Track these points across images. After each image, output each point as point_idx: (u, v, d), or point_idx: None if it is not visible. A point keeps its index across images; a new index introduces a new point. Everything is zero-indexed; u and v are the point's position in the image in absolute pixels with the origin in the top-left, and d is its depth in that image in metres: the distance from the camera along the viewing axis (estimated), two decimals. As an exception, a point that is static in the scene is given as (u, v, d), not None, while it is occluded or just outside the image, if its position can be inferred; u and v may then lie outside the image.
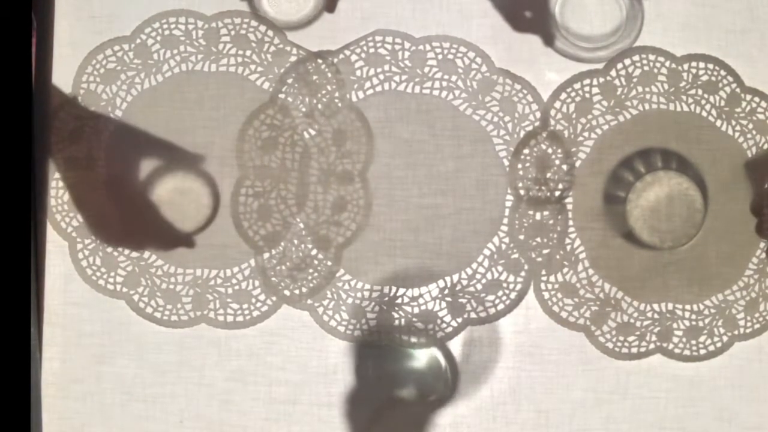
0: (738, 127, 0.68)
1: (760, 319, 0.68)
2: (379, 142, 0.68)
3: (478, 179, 0.68)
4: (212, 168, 0.69)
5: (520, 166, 0.68)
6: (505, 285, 0.68)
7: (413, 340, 0.68)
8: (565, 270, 0.68)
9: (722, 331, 0.68)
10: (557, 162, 0.68)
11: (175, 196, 0.68)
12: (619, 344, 0.68)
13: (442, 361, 0.68)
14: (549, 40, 0.68)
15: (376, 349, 0.68)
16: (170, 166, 0.69)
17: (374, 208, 0.68)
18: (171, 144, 0.69)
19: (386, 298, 0.68)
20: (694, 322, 0.68)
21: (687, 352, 0.68)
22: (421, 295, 0.68)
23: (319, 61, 0.69)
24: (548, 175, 0.68)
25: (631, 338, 0.68)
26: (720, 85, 0.68)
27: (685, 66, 0.68)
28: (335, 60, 0.69)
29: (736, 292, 0.68)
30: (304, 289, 0.68)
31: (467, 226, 0.68)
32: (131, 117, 0.69)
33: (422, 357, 0.68)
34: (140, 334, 0.69)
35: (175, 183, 0.68)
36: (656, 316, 0.68)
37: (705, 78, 0.68)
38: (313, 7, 0.69)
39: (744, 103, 0.68)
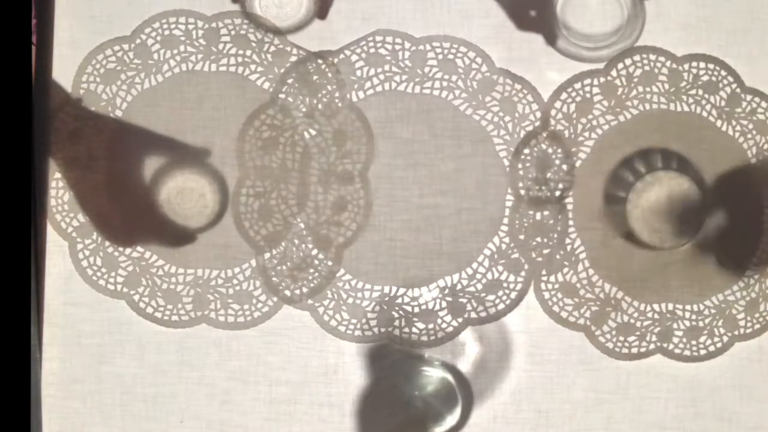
0: (738, 128, 0.68)
1: (760, 319, 0.68)
2: (379, 142, 0.68)
3: (478, 179, 0.68)
4: (212, 169, 0.69)
5: (520, 166, 0.68)
6: (505, 285, 0.68)
7: (413, 339, 0.68)
8: (566, 270, 0.68)
9: (722, 331, 0.68)
10: (557, 162, 0.68)
11: (180, 194, 0.68)
12: (619, 344, 0.68)
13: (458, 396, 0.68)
14: (551, 40, 0.68)
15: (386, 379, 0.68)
16: (175, 163, 0.69)
17: (375, 208, 0.68)
18: (174, 141, 0.69)
19: (386, 298, 0.68)
20: (694, 323, 0.68)
21: (687, 353, 0.68)
22: (421, 295, 0.68)
23: (320, 61, 0.69)
24: (548, 175, 0.68)
25: (631, 338, 0.68)
26: (720, 85, 0.68)
27: (686, 66, 0.68)
28: (335, 60, 0.68)
29: (736, 292, 0.68)
30: (304, 289, 0.68)
31: (467, 226, 0.68)
32: (131, 117, 0.69)
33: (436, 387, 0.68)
34: (140, 334, 0.69)
35: (181, 181, 0.68)
36: (656, 316, 0.68)
37: (705, 78, 0.68)
38: (305, 14, 0.69)
39: (744, 104, 0.68)
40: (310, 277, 0.68)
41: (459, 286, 0.68)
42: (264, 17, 0.69)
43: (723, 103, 0.68)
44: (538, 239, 0.68)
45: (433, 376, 0.68)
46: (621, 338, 0.68)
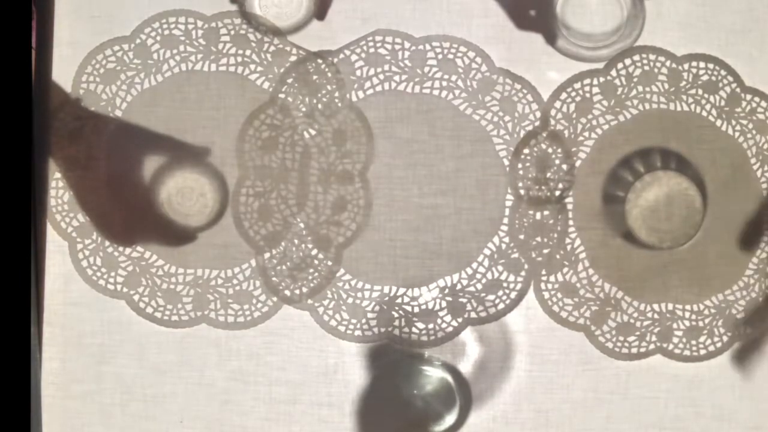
0: (738, 127, 0.68)
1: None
2: (379, 142, 0.68)
3: (478, 179, 0.68)
4: (212, 169, 0.69)
5: (520, 165, 0.68)
6: (505, 285, 0.68)
7: (413, 338, 0.68)
8: (565, 270, 0.68)
9: (722, 331, 0.68)
10: (557, 162, 0.68)
11: (180, 193, 0.68)
12: (619, 344, 0.68)
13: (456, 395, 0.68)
14: (551, 39, 0.68)
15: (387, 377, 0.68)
16: (174, 163, 0.69)
17: (374, 208, 0.68)
18: (174, 140, 0.69)
19: (386, 298, 0.68)
20: (694, 322, 0.68)
21: (687, 353, 0.68)
22: (421, 295, 0.68)
23: (319, 60, 0.69)
24: (548, 174, 0.68)
25: (631, 338, 0.68)
26: (720, 84, 0.68)
27: (686, 66, 0.68)
28: (335, 60, 0.69)
29: (736, 292, 0.68)
30: (304, 289, 0.68)
31: (467, 226, 0.68)
32: (131, 117, 0.69)
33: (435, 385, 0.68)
34: (140, 334, 0.69)
35: (181, 180, 0.68)
36: (656, 316, 0.68)
37: (705, 78, 0.68)
38: (305, 14, 0.69)
39: (744, 103, 0.68)
40: (310, 277, 0.68)
41: (459, 286, 0.68)
42: (263, 17, 0.69)
43: (723, 102, 0.68)
44: (538, 239, 0.68)
45: (433, 375, 0.68)
46: (621, 338, 0.68)
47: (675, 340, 0.68)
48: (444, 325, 0.68)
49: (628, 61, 0.68)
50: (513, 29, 0.69)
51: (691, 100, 0.68)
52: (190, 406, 0.68)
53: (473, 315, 0.68)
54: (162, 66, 0.69)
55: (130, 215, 0.69)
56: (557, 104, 0.68)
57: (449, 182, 0.68)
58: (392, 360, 0.68)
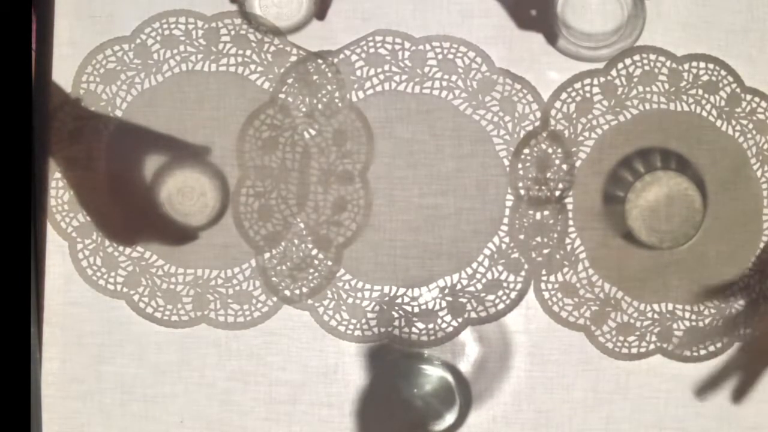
0: (738, 127, 0.68)
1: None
2: (379, 142, 0.68)
3: (478, 179, 0.68)
4: (213, 168, 0.69)
5: (520, 165, 0.68)
6: (505, 285, 0.68)
7: (413, 338, 0.68)
8: (565, 270, 0.68)
9: (722, 331, 0.68)
10: (557, 162, 0.68)
11: (181, 192, 0.68)
12: (619, 344, 0.68)
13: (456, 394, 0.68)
14: (552, 39, 0.68)
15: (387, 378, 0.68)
16: (175, 162, 0.69)
17: (374, 208, 0.68)
18: (174, 140, 0.69)
19: (386, 298, 0.68)
20: (694, 323, 0.68)
21: (687, 353, 0.68)
22: (421, 295, 0.68)
23: (320, 61, 0.69)
24: (548, 174, 0.68)
25: (631, 338, 0.68)
26: (720, 85, 0.68)
27: (686, 66, 0.68)
28: (335, 60, 0.68)
29: (736, 292, 0.68)
30: (304, 289, 0.68)
31: (467, 226, 0.68)
32: (131, 117, 0.69)
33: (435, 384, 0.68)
34: (140, 334, 0.69)
35: (181, 179, 0.68)
36: (656, 316, 0.68)
37: (705, 78, 0.68)
38: (305, 14, 0.69)
39: (744, 103, 0.68)
40: (310, 277, 0.68)
41: (459, 286, 0.68)
42: (263, 17, 0.69)
43: (723, 102, 0.68)
44: (538, 239, 0.68)
45: (433, 375, 0.68)
46: (621, 338, 0.68)
47: (675, 340, 0.68)
48: (444, 325, 0.68)
49: (628, 61, 0.68)
50: (513, 29, 0.69)
51: (691, 100, 0.68)
52: (190, 406, 0.68)
53: (473, 315, 0.68)
54: (162, 66, 0.69)
55: (130, 215, 0.69)
56: (557, 104, 0.68)
57: (449, 182, 0.68)
58: (392, 360, 0.68)
